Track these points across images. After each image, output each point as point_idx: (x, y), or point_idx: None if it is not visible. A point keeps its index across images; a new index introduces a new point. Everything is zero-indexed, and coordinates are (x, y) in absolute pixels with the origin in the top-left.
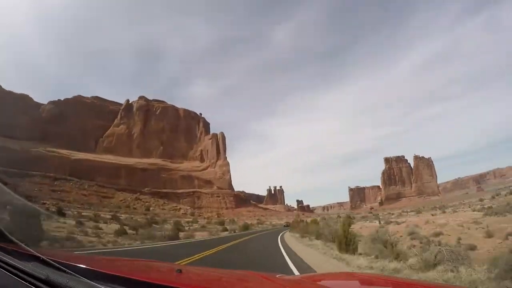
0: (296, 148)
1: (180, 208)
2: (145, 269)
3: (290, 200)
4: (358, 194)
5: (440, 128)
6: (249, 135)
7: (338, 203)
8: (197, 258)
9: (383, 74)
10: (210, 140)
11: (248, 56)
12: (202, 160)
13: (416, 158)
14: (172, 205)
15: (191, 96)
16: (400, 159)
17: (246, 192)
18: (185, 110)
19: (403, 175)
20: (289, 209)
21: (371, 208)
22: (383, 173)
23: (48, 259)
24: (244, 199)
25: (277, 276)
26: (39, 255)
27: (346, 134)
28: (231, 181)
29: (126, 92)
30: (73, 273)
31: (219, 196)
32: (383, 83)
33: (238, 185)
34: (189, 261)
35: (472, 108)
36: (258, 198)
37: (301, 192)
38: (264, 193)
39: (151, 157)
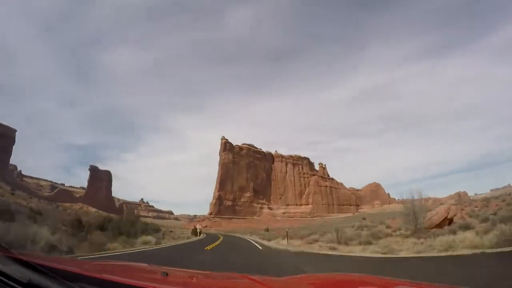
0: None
1: None
2: (130, 272)
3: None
4: None
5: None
6: (161, 128)
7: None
8: None
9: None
10: None
11: (191, 30)
12: None
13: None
14: None
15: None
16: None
17: None
18: None
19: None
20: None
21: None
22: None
23: (31, 261)
24: None
25: (267, 278)
26: (21, 257)
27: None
28: None
29: None
30: (56, 276)
31: None
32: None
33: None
34: None
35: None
36: None
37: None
38: None
39: None
